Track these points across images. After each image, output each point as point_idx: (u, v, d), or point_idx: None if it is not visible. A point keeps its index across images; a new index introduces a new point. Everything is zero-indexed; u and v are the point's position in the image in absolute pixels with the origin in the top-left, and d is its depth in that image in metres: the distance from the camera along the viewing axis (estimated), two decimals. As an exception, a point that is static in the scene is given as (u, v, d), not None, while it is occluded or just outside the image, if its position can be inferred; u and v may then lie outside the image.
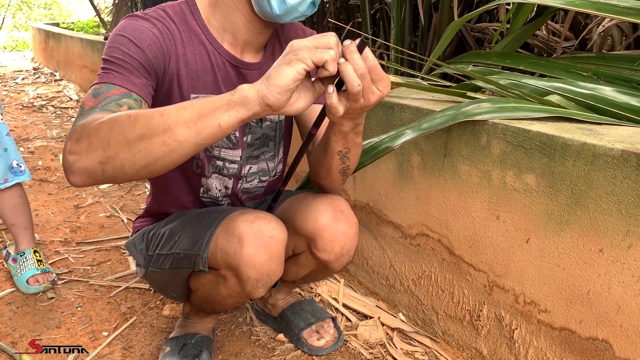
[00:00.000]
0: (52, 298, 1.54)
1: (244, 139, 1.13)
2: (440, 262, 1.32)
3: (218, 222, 1.03)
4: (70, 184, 0.80)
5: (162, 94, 1.01)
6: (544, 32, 1.95)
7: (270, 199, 1.24)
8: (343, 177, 1.07)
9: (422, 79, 1.57)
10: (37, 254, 1.62)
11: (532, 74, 1.44)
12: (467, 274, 1.25)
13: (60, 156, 2.93)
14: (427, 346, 1.35)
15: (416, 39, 2.09)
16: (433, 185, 1.31)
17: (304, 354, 1.32)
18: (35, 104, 4.58)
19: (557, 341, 1.06)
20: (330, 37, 0.74)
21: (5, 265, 1.67)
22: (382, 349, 1.34)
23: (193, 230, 1.06)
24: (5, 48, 10.96)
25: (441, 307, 1.34)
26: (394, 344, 1.36)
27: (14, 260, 1.62)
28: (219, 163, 1.12)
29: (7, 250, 1.68)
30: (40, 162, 2.88)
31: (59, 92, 5.20)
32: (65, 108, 4.43)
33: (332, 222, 1.09)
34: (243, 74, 1.07)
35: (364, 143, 1.25)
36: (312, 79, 0.79)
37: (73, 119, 3.95)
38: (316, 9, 1.02)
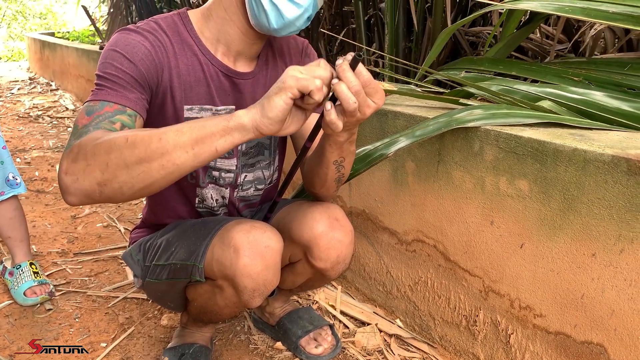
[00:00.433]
0: (50, 309, 1.54)
1: (239, 147, 1.13)
2: (436, 267, 1.33)
3: (214, 233, 1.04)
4: (66, 203, 0.82)
5: (156, 105, 1.02)
6: (538, 36, 1.96)
7: (266, 207, 1.25)
8: (338, 184, 1.08)
9: (416, 85, 1.58)
10: (33, 266, 1.62)
11: (525, 79, 1.45)
12: (463, 280, 1.26)
13: (57, 166, 2.93)
14: (424, 352, 1.36)
15: (410, 44, 2.10)
16: (428, 192, 1.32)
17: (302, 362, 1.32)
18: (31, 114, 4.57)
19: (552, 345, 1.07)
20: (319, 68, 0.77)
21: (2, 279, 1.67)
22: (380, 355, 1.35)
23: (189, 241, 1.06)
24: (0, 58, 10.95)
25: (438, 312, 1.35)
26: (391, 350, 1.36)
27: (11, 273, 1.62)
28: (215, 173, 1.13)
29: (4, 265, 1.68)
30: (37, 173, 2.87)
31: (55, 102, 5.20)
32: (61, 118, 4.43)
33: (327, 231, 1.10)
34: (236, 83, 1.08)
35: (358, 150, 1.26)
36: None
37: (70, 129, 3.96)
38: (309, 23, 1.04)
